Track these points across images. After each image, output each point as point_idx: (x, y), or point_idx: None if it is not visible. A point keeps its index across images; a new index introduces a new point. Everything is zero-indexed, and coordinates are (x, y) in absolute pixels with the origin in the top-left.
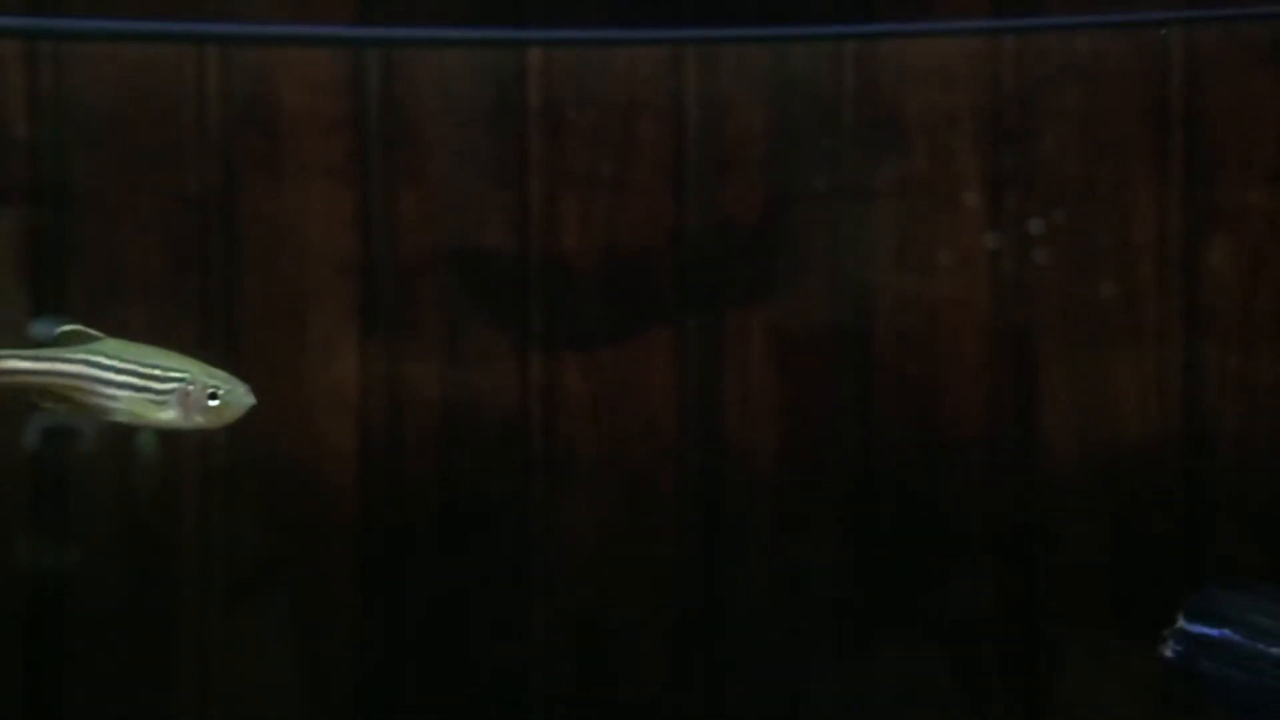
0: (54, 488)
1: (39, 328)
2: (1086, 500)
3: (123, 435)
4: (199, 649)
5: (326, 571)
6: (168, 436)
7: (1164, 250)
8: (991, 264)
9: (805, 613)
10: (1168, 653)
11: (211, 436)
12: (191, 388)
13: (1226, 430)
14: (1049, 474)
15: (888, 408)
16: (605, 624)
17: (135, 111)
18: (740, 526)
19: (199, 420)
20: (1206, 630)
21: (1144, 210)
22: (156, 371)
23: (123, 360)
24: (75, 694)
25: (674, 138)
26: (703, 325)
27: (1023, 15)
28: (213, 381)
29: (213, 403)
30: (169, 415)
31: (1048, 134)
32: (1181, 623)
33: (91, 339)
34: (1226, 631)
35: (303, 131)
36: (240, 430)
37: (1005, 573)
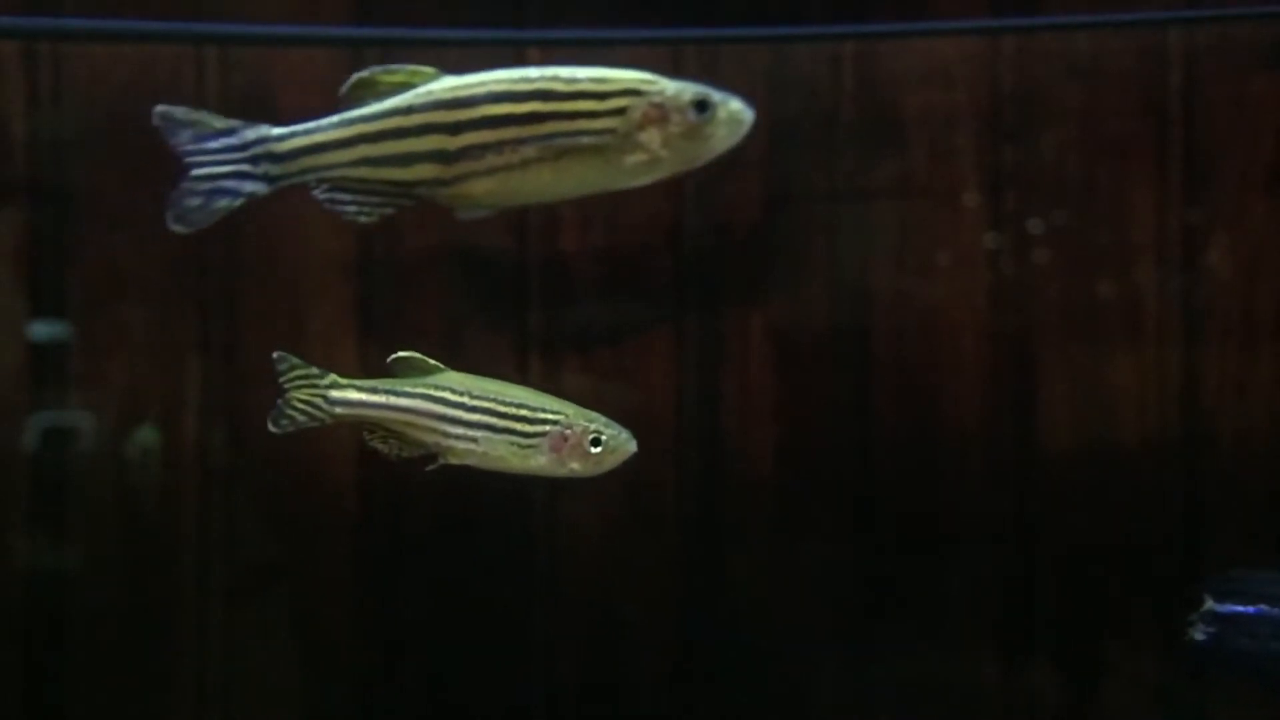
0: (54, 488)
1: (38, 329)
2: (1085, 499)
3: (122, 436)
4: (199, 649)
5: (326, 571)
6: (168, 437)
7: (1164, 250)
8: (991, 264)
9: (805, 611)
10: (1199, 636)
11: (211, 438)
12: (569, 431)
13: (1225, 429)
14: (1048, 473)
15: (887, 408)
16: (606, 623)
17: (135, 111)
18: (740, 526)
19: (574, 468)
20: (1240, 609)
21: (1144, 210)
22: (523, 412)
23: (473, 396)
24: (75, 694)
25: None
26: (703, 325)
27: (1022, 15)
28: (594, 425)
29: (595, 449)
30: (538, 461)
31: (1048, 134)
32: (1210, 605)
33: (429, 369)
34: (1263, 607)
35: None
36: (240, 431)
37: (1004, 571)
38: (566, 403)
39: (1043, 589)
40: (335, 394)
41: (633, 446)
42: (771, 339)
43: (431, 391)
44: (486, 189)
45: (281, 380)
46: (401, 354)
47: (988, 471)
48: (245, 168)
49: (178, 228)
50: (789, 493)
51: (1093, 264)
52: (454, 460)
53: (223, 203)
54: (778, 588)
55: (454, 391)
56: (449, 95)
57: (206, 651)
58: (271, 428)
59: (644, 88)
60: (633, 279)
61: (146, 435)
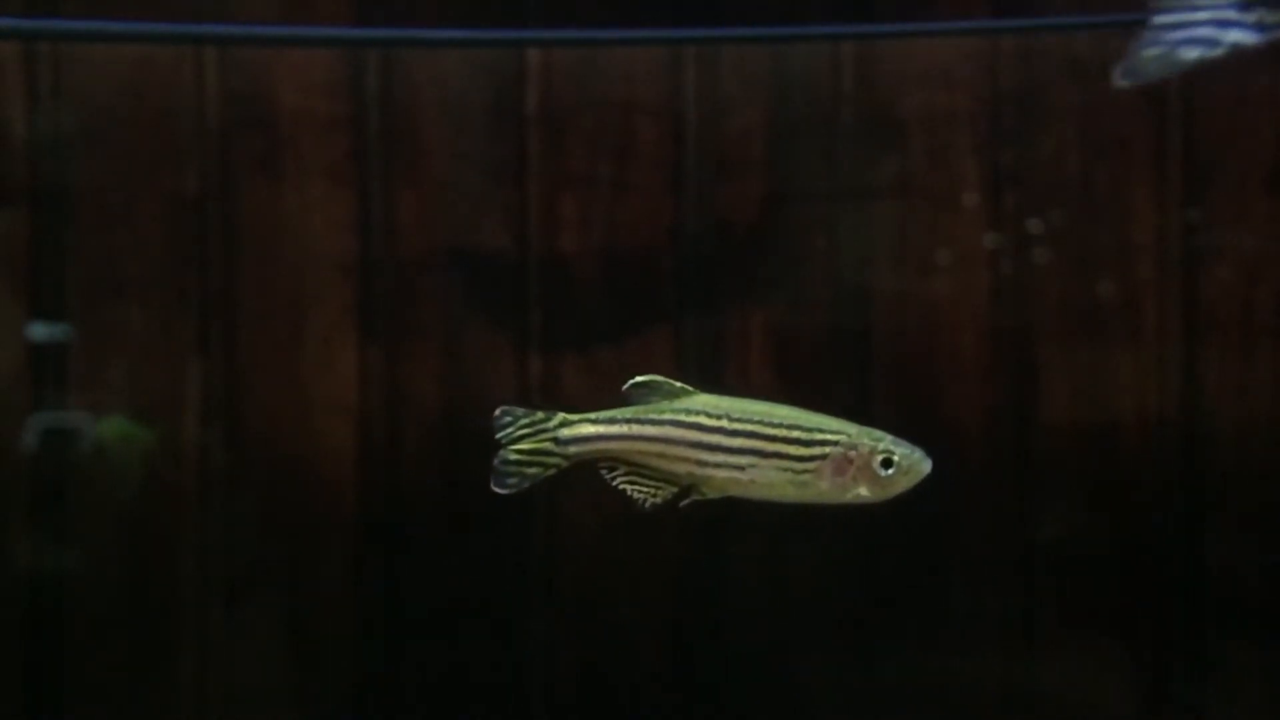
0: (53, 488)
1: (38, 329)
2: (1085, 498)
3: (119, 435)
4: (199, 649)
5: (325, 571)
6: (166, 437)
7: (1164, 250)
8: (991, 264)
9: (804, 613)
10: None
11: (210, 438)
12: (854, 453)
13: (1225, 429)
14: (1047, 472)
15: (887, 407)
16: (605, 624)
17: (134, 112)
18: (739, 526)
19: (861, 493)
20: None
21: (1144, 210)
22: (797, 433)
23: (733, 418)
24: (75, 694)
25: (673, 138)
26: (702, 325)
27: (1022, 15)
28: (883, 444)
29: (886, 471)
30: (819, 488)
31: (1048, 134)
32: None
33: (676, 392)
34: None
35: (302, 132)
36: (239, 430)
37: (1004, 571)
38: (845, 421)
39: (1043, 588)
40: (566, 433)
41: (927, 466)
42: (771, 339)
43: (682, 416)
44: None
45: (502, 435)
46: (640, 379)
47: (988, 471)
48: (1230, 14)
49: (1124, 82)
50: None
51: (1093, 264)
52: (712, 494)
53: (1194, 53)
54: (778, 587)
55: (709, 414)
56: None
57: (206, 652)
58: (498, 490)
59: None
60: (632, 279)
61: (122, 427)
